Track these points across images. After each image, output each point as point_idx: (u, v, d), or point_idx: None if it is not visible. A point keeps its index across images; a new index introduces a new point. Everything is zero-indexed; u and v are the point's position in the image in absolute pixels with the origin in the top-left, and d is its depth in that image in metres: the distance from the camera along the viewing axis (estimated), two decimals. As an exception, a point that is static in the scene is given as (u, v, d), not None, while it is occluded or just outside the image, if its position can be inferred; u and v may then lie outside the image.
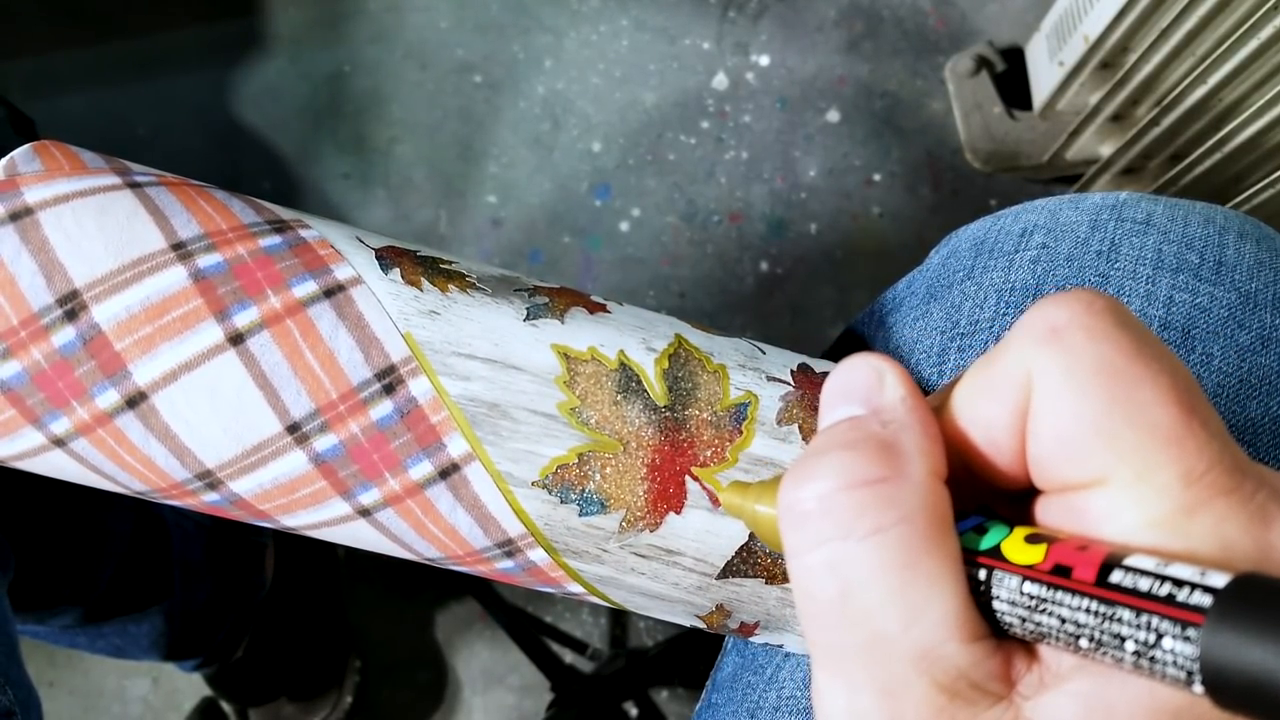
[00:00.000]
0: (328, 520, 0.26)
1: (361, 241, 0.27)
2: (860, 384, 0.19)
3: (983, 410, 0.18)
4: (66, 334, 0.24)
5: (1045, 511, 0.18)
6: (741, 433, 0.27)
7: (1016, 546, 0.17)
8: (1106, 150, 0.88)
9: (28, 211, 0.24)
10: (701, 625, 0.28)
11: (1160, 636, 0.14)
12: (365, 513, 0.26)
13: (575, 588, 0.27)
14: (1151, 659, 0.14)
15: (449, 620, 0.92)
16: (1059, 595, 0.16)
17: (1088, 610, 0.15)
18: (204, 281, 0.25)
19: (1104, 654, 0.15)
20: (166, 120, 1.06)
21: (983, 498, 0.19)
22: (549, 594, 0.94)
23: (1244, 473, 0.15)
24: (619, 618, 0.91)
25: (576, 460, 0.26)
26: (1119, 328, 0.16)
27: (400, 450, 0.25)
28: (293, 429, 0.25)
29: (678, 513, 0.26)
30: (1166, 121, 0.76)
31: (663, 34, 1.06)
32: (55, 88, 1.08)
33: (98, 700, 0.92)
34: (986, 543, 0.18)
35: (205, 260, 0.25)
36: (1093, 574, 0.15)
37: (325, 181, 1.03)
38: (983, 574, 0.17)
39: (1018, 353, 0.17)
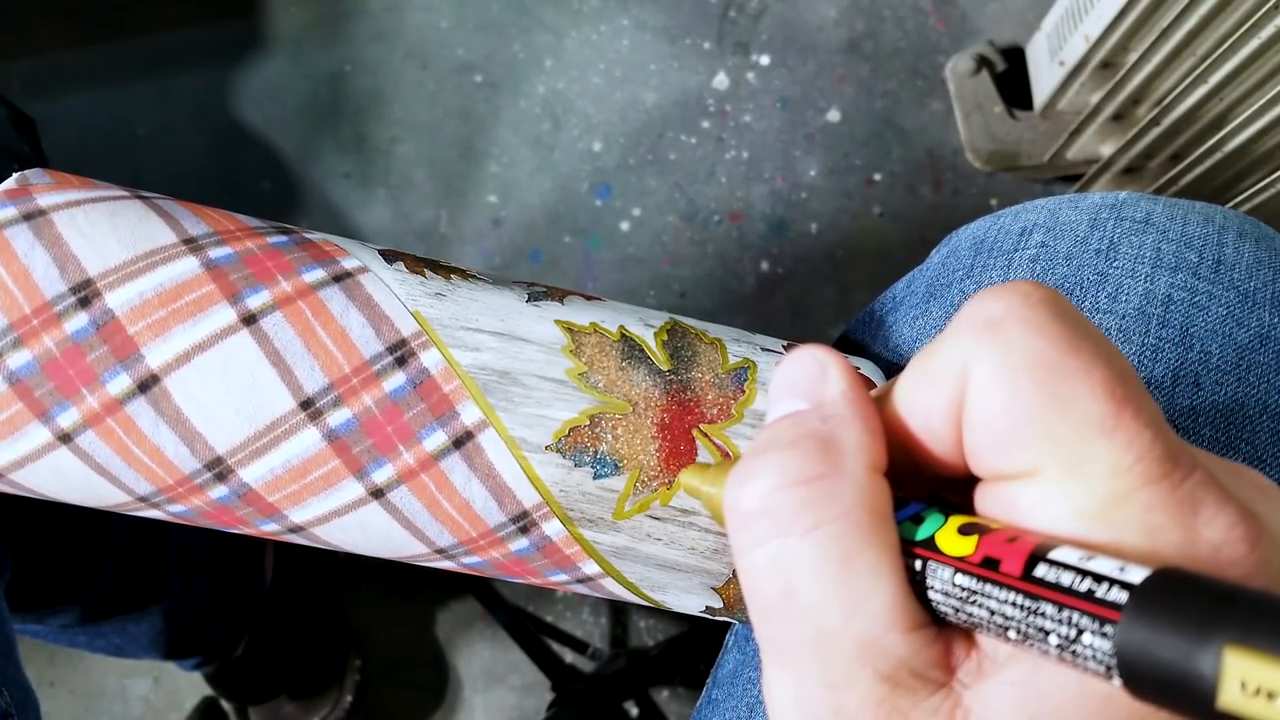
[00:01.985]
0: (339, 508, 0.26)
1: (364, 243, 0.28)
2: (804, 377, 0.19)
3: (922, 401, 0.18)
4: (79, 320, 0.24)
5: (983, 500, 0.18)
6: (744, 392, 0.27)
7: (950, 537, 0.17)
8: (1107, 150, 0.88)
9: (40, 213, 0.25)
10: (719, 603, 0.28)
11: (1080, 632, 0.14)
12: (378, 493, 0.26)
13: (590, 567, 0.27)
14: (1074, 652, 0.15)
15: (449, 619, 0.92)
16: (988, 587, 0.16)
17: (1014, 604, 0.15)
18: (216, 269, 0.25)
19: (1031, 645, 0.15)
20: (167, 120, 1.06)
21: (933, 486, 0.20)
22: (549, 592, 0.94)
23: (1175, 461, 0.15)
24: (619, 617, 0.91)
25: (588, 422, 0.26)
26: (1054, 320, 0.16)
27: (414, 421, 0.25)
28: (306, 405, 0.25)
29: None
30: (1167, 121, 0.76)
31: (663, 34, 1.06)
32: (55, 87, 1.08)
33: (98, 700, 0.92)
34: (922, 533, 0.18)
35: (216, 252, 0.25)
36: (1019, 567, 0.16)
37: (326, 181, 1.03)
38: (919, 564, 0.17)
39: (955, 344, 0.17)
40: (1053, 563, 0.15)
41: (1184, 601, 0.13)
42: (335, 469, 0.25)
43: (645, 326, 0.28)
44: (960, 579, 0.17)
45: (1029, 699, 0.16)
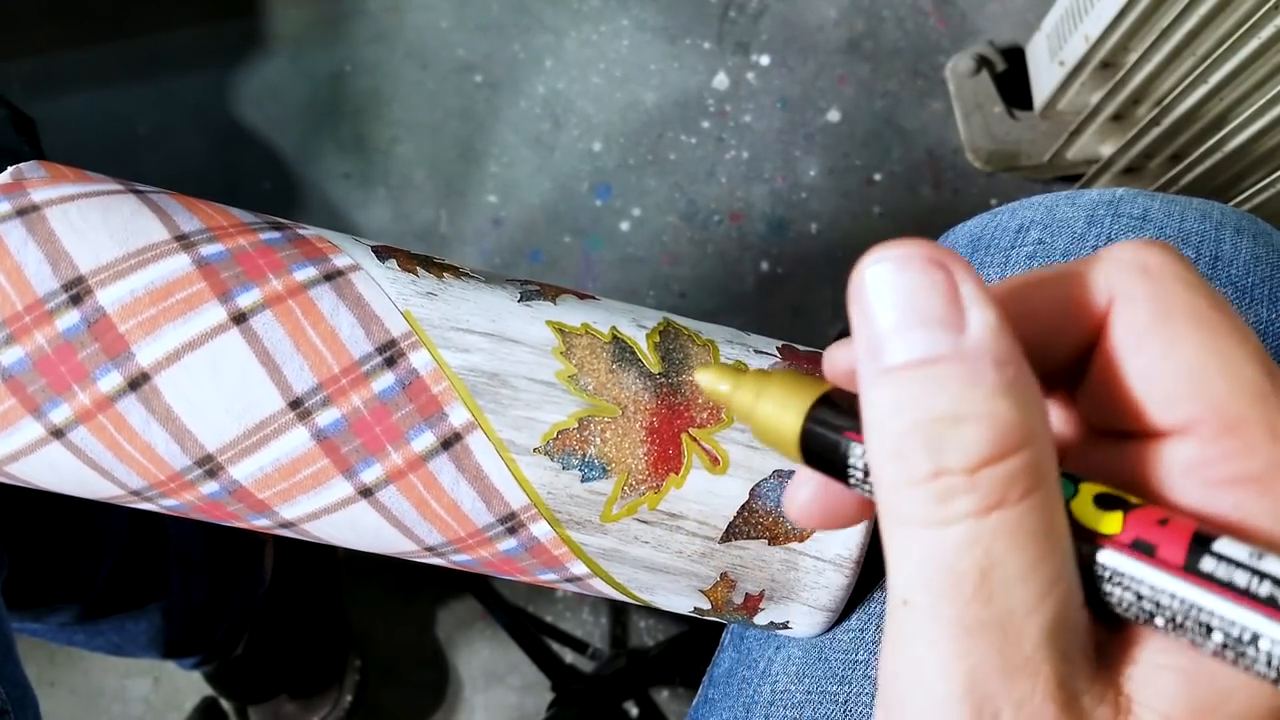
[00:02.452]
0: (328, 505, 0.26)
1: (357, 240, 0.28)
2: (935, 303, 0.15)
3: (1044, 325, 0.17)
4: (71, 317, 0.24)
5: (1111, 457, 0.17)
6: None
7: (1086, 509, 0.16)
8: (1107, 150, 0.88)
9: (34, 208, 0.25)
10: (707, 605, 0.28)
11: (1257, 636, 0.14)
12: (367, 492, 0.26)
13: (578, 568, 0.27)
14: (1241, 653, 0.14)
15: (449, 619, 0.92)
16: (1141, 571, 0.15)
17: (1172, 594, 0.15)
18: (207, 267, 0.25)
19: (1182, 635, 0.15)
20: (166, 120, 1.06)
21: None
22: (549, 592, 0.94)
23: None
24: (619, 617, 0.91)
25: (577, 425, 0.26)
26: (1205, 283, 0.16)
27: (402, 421, 0.25)
28: (295, 404, 0.25)
29: (677, 474, 0.26)
30: (1167, 121, 0.76)
31: (663, 33, 1.06)
32: (55, 88, 1.09)
33: (98, 700, 0.92)
34: None
35: (208, 249, 0.25)
36: (1181, 556, 0.15)
37: (326, 181, 1.03)
38: None
39: (1103, 278, 0.16)
40: (1221, 558, 0.14)
41: None
42: (324, 468, 0.25)
43: (638, 328, 0.28)
44: (1106, 557, 0.15)
45: (1204, 694, 0.15)
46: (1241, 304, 0.30)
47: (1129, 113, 0.84)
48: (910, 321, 0.15)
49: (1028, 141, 0.95)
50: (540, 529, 0.26)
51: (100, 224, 0.25)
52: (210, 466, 0.25)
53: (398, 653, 0.91)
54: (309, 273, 0.26)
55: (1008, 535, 0.15)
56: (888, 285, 0.16)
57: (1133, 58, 0.77)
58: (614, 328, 0.27)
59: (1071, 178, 0.97)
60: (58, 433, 0.25)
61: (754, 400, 0.19)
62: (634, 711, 0.87)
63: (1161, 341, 0.16)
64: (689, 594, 0.28)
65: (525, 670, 0.90)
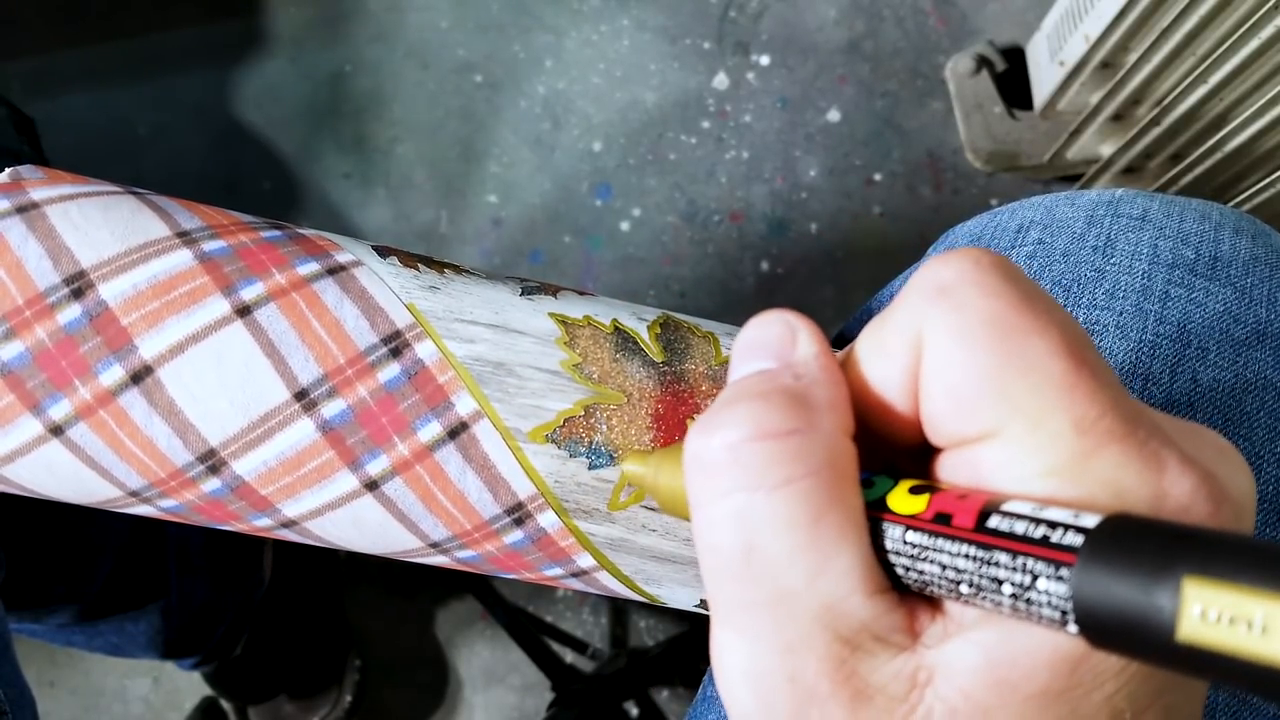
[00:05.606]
0: (332, 500, 0.26)
1: (356, 239, 0.28)
2: (773, 339, 0.19)
3: (876, 372, 0.18)
4: (72, 311, 0.24)
5: (944, 469, 0.18)
6: None
7: (901, 498, 0.17)
8: (1107, 150, 0.88)
9: (33, 206, 0.25)
10: None
11: (1035, 577, 0.14)
12: (372, 485, 0.26)
13: (585, 560, 0.27)
14: (1028, 600, 0.14)
15: (449, 619, 0.92)
16: (939, 542, 0.16)
17: (967, 555, 0.15)
18: (210, 262, 0.25)
19: (984, 599, 0.15)
20: (166, 120, 1.06)
21: (886, 456, 0.19)
22: (550, 592, 0.94)
23: (1137, 420, 0.15)
24: (619, 617, 0.91)
25: (583, 413, 0.26)
26: (1007, 282, 0.16)
27: (409, 411, 0.25)
28: (300, 396, 0.25)
29: None
30: (1167, 121, 0.76)
31: (663, 34, 1.06)
32: (55, 87, 1.08)
33: (98, 700, 0.91)
34: (873, 495, 0.18)
35: (209, 245, 0.26)
36: (972, 520, 0.16)
37: (326, 181, 1.03)
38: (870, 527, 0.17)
39: (908, 312, 0.17)
40: (1005, 513, 0.15)
41: (1140, 540, 0.13)
42: (329, 460, 0.25)
43: (638, 320, 0.28)
44: (911, 536, 0.16)
45: (998, 661, 0.16)
46: (1241, 304, 0.30)
47: (1129, 113, 0.84)
48: (756, 354, 0.19)
49: (1028, 141, 0.95)
50: (547, 519, 0.26)
51: (100, 221, 0.25)
52: (213, 462, 0.25)
53: (398, 653, 0.91)
54: (312, 267, 0.26)
55: (771, 519, 0.16)
56: (749, 333, 0.19)
57: (1133, 58, 0.77)
58: (615, 320, 0.28)
59: (1072, 178, 0.97)
60: (57, 430, 0.25)
61: (654, 476, 0.22)
62: (634, 711, 0.87)
63: (960, 357, 0.16)
64: (695, 585, 0.28)
65: (525, 670, 0.90)
